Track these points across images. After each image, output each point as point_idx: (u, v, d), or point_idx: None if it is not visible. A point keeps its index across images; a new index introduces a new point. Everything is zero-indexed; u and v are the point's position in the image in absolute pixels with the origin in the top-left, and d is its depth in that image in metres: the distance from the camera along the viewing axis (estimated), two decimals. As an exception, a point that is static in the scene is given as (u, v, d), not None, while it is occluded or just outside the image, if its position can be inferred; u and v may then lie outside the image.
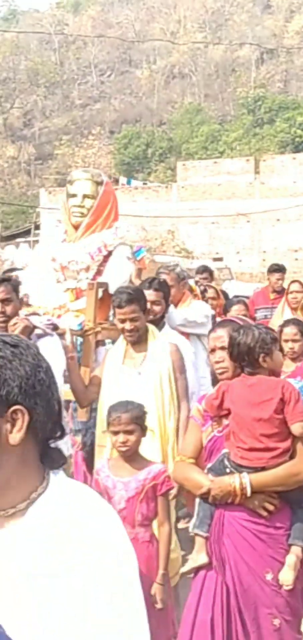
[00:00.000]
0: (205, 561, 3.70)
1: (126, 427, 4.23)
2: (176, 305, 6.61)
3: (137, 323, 5.12)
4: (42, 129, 66.74)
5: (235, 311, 7.70)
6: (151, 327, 5.31)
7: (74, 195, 6.76)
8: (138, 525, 4.23)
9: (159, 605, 4.17)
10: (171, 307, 6.25)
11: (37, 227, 37.72)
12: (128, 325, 5.10)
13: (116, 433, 4.26)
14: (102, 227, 6.72)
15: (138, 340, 5.18)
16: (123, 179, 44.26)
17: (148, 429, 4.43)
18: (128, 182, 43.67)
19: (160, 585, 4.21)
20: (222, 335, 4.06)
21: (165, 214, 38.37)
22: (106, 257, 6.65)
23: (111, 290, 6.24)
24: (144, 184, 45.23)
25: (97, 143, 57.41)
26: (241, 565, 3.66)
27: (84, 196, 6.72)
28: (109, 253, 6.65)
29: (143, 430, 4.32)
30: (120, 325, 5.17)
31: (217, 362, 4.06)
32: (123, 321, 5.13)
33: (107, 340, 6.43)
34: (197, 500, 3.82)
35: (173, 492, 4.81)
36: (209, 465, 3.84)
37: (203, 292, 10.17)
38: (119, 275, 6.51)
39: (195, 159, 45.19)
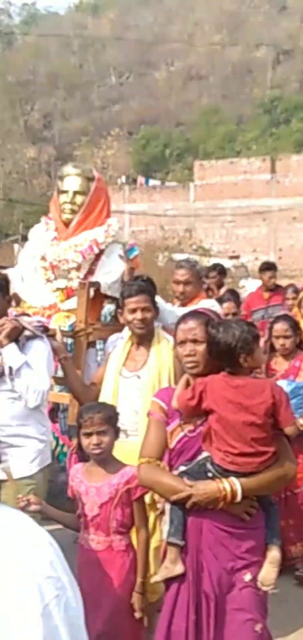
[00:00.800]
0: (182, 571, 3.52)
1: (99, 428, 4.01)
2: (189, 302, 6.27)
3: (148, 315, 4.87)
4: (62, 130, 67.17)
5: (225, 309, 7.52)
6: (157, 329, 5.04)
7: (64, 192, 6.50)
8: (112, 533, 4.01)
9: (138, 615, 4.00)
10: (161, 302, 5.68)
11: (57, 227, 38.28)
12: (139, 315, 4.82)
13: (88, 435, 4.03)
14: (94, 225, 6.46)
15: (145, 338, 4.93)
16: (141, 179, 44.75)
17: (120, 430, 4.26)
18: (146, 182, 44.12)
19: (139, 594, 4.02)
20: (194, 327, 3.78)
21: (183, 213, 38.90)
22: (98, 256, 6.42)
23: (103, 289, 6.18)
24: (162, 183, 45.69)
25: (116, 144, 57.73)
26: (221, 571, 3.52)
27: (75, 192, 6.46)
28: (101, 251, 6.42)
29: (116, 432, 4.15)
30: (130, 317, 4.87)
31: (188, 355, 3.76)
32: (133, 311, 4.85)
33: (98, 342, 6.17)
34: (168, 506, 3.60)
35: (160, 507, 4.59)
36: (182, 467, 3.60)
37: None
38: (111, 274, 6.31)
39: (212, 159, 45.57)
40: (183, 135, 61.00)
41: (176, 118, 64.76)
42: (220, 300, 8.24)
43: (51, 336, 5.20)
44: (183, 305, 6.21)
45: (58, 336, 5.38)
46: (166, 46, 70.01)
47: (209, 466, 3.53)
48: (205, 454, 3.57)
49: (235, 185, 40.13)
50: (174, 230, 34.28)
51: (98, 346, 6.20)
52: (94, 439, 4.00)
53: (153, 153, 58.48)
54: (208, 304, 6.22)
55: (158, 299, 5.49)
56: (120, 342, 5.11)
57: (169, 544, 3.56)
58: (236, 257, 35.57)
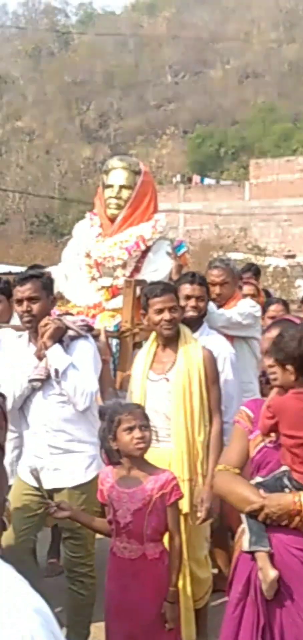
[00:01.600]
0: (275, 574, 3.19)
1: (141, 422, 3.83)
2: (226, 304, 6.00)
3: (176, 314, 4.63)
4: (117, 129, 67.48)
5: (273, 311, 7.05)
6: (183, 328, 4.77)
7: (110, 186, 6.18)
8: (147, 541, 3.82)
9: (169, 625, 3.85)
10: (212, 306, 5.64)
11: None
12: (166, 315, 4.58)
13: (130, 430, 3.80)
14: (141, 220, 6.16)
15: (171, 339, 4.69)
16: (196, 178, 44.67)
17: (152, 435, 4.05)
18: (201, 181, 44.03)
19: (170, 604, 3.86)
20: None
21: (238, 212, 38.70)
22: (144, 253, 6.13)
23: None
24: (217, 182, 45.57)
25: (171, 143, 57.79)
26: (286, 597, 3.25)
27: (121, 187, 6.14)
28: (148, 248, 6.12)
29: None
30: (156, 318, 4.63)
31: (270, 367, 3.55)
32: (160, 311, 4.61)
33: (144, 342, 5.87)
34: (244, 516, 3.34)
35: (201, 515, 4.59)
36: (259, 479, 3.39)
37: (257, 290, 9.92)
38: (158, 272, 6.04)
39: (267, 157, 45.25)
40: (239, 134, 60.74)
41: (231, 116, 64.54)
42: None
43: (95, 336, 5.06)
44: (220, 306, 5.92)
45: (102, 337, 5.24)
46: (222, 44, 69.89)
47: (286, 481, 3.29)
48: (283, 468, 3.32)
49: (291, 183, 39.72)
50: (229, 229, 34.14)
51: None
52: (137, 432, 3.78)
53: (208, 152, 58.36)
54: (247, 304, 6.07)
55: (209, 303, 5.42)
56: (145, 344, 4.92)
57: (254, 552, 3.27)
58: (292, 257, 35.20)
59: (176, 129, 61.40)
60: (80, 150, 57.97)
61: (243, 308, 5.96)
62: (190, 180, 45.58)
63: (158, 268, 6.08)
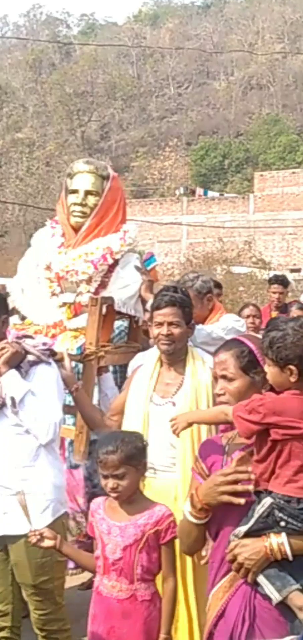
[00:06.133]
0: None
1: (115, 471, 3.49)
2: (202, 323, 5.58)
3: (176, 330, 4.22)
4: (119, 141, 67.39)
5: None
6: (191, 348, 4.45)
7: (74, 192, 5.61)
8: (137, 580, 3.54)
9: None
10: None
11: (113, 238, 37.99)
12: (164, 330, 4.21)
13: (105, 477, 3.53)
14: (108, 231, 5.58)
15: (174, 359, 4.30)
16: (199, 190, 44.27)
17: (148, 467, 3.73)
18: (205, 193, 43.68)
19: None
20: (224, 360, 3.24)
21: (242, 225, 38.13)
22: (112, 267, 5.54)
23: (117, 306, 5.43)
24: (221, 194, 45.09)
25: (173, 155, 57.61)
26: None
27: (87, 193, 5.57)
28: (116, 261, 5.54)
29: (141, 467, 3.61)
30: (155, 332, 4.29)
31: (218, 395, 3.26)
32: (159, 325, 4.25)
33: (111, 367, 5.59)
34: (259, 574, 2.88)
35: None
36: (242, 529, 2.90)
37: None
38: (127, 288, 5.50)
39: (272, 170, 44.81)
40: (243, 146, 60.71)
41: (235, 128, 64.48)
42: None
43: (58, 361, 4.58)
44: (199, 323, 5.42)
45: (66, 362, 4.68)
46: (226, 56, 69.56)
47: (278, 513, 2.82)
48: (267, 501, 2.84)
49: (296, 196, 39.48)
50: (233, 242, 33.48)
51: (111, 369, 5.63)
52: (110, 482, 3.51)
53: (211, 164, 58.33)
54: (231, 318, 5.82)
55: None
56: (148, 363, 4.43)
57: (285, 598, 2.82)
58: (297, 270, 34.59)
59: (179, 140, 61.23)
60: (81, 162, 57.59)
61: (226, 322, 5.64)
62: (193, 192, 45.23)
63: (127, 284, 5.50)
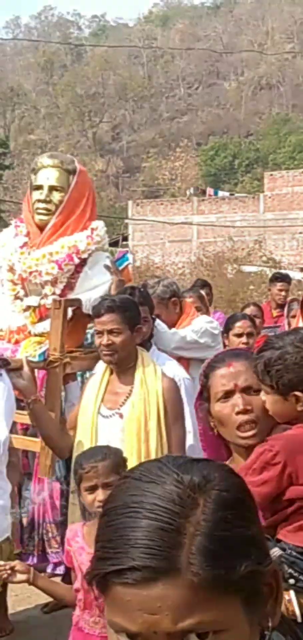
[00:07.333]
0: None
1: (106, 479, 3.11)
2: (176, 325, 5.15)
3: (117, 339, 3.81)
4: (130, 142, 67.43)
5: (238, 328, 5.88)
6: (143, 353, 4.01)
7: (38, 188, 5.19)
8: None
9: None
10: (162, 325, 4.84)
11: (125, 239, 38.17)
12: (104, 340, 3.81)
13: (92, 489, 3.14)
14: (75, 229, 5.22)
15: (122, 367, 3.90)
16: (210, 190, 44.34)
17: None
18: (215, 193, 43.69)
19: None
20: (244, 370, 2.55)
21: (252, 225, 38.26)
22: (79, 267, 5.16)
23: (85, 308, 4.96)
24: (231, 194, 45.18)
25: (184, 155, 57.62)
26: None
27: (51, 188, 5.18)
28: (83, 261, 5.16)
29: None
30: (97, 341, 3.91)
31: (242, 416, 2.62)
32: (99, 334, 3.86)
33: (79, 374, 5.19)
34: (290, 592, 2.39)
35: None
36: None
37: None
38: (96, 290, 5.08)
39: (282, 169, 44.86)
40: (253, 146, 60.64)
41: (245, 128, 64.42)
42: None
43: (16, 370, 4.15)
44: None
45: (25, 370, 4.16)
46: (236, 56, 69.59)
47: (288, 569, 2.31)
48: (273, 552, 2.28)
49: (306, 195, 39.36)
50: (244, 242, 33.62)
51: (79, 378, 5.19)
52: (100, 494, 3.08)
53: (221, 164, 58.29)
54: (203, 320, 5.26)
55: (157, 321, 4.60)
56: (99, 371, 4.07)
57: None
58: (308, 270, 34.65)
59: (189, 141, 61.23)
60: (93, 162, 57.72)
61: (199, 325, 5.13)
62: (203, 192, 45.22)
63: (97, 285, 5.13)
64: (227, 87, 70.16)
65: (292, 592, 2.29)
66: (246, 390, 2.46)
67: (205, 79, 72.91)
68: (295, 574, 2.29)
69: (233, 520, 0.96)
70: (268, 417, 2.45)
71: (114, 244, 39.19)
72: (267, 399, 2.43)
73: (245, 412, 2.42)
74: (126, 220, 41.22)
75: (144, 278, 11.28)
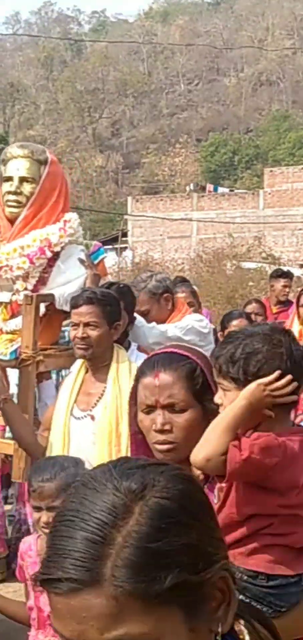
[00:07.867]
0: None
1: (51, 503, 2.84)
2: (167, 321, 4.98)
3: (93, 333, 3.63)
4: (129, 138, 67.40)
5: (234, 327, 5.39)
6: (119, 350, 3.82)
7: (8, 179, 5.05)
8: None
9: None
10: (140, 320, 4.60)
11: (124, 235, 38.14)
12: (79, 332, 3.63)
13: (37, 509, 2.92)
14: (47, 221, 5.05)
15: (96, 364, 3.72)
16: (209, 186, 44.33)
17: None
18: (215, 189, 43.69)
19: None
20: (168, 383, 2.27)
21: (252, 221, 38.25)
22: (52, 261, 5.02)
23: (58, 304, 4.86)
24: (231, 190, 45.16)
25: (184, 151, 57.62)
26: None
27: (22, 180, 5.02)
28: (56, 255, 5.01)
29: None
30: (72, 334, 3.75)
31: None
32: (75, 326, 3.69)
33: (53, 372, 5.07)
34: None
35: None
36: None
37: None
38: (70, 284, 4.93)
39: (282, 166, 44.86)
40: (253, 142, 60.68)
41: (245, 125, 64.44)
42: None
43: None
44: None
45: None
46: (236, 52, 69.62)
47: (238, 595, 1.76)
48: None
49: (306, 192, 39.38)
50: (243, 238, 33.62)
51: (54, 377, 5.07)
52: (44, 517, 2.86)
53: (221, 160, 58.30)
54: (191, 318, 5.02)
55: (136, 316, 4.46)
56: (74, 370, 3.87)
57: None
58: (307, 266, 34.65)
59: (189, 137, 61.22)
60: (92, 158, 57.69)
61: (186, 321, 4.90)
62: (203, 188, 45.22)
63: (70, 279, 4.97)
64: (227, 83, 70.14)
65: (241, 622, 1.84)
66: (168, 407, 2.23)
67: (205, 75, 72.89)
68: (247, 601, 1.82)
69: (168, 528, 0.95)
70: (190, 437, 2.19)
71: (113, 240, 39.20)
72: (228, 397, 2.13)
73: (161, 432, 2.22)
74: (126, 216, 41.21)
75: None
